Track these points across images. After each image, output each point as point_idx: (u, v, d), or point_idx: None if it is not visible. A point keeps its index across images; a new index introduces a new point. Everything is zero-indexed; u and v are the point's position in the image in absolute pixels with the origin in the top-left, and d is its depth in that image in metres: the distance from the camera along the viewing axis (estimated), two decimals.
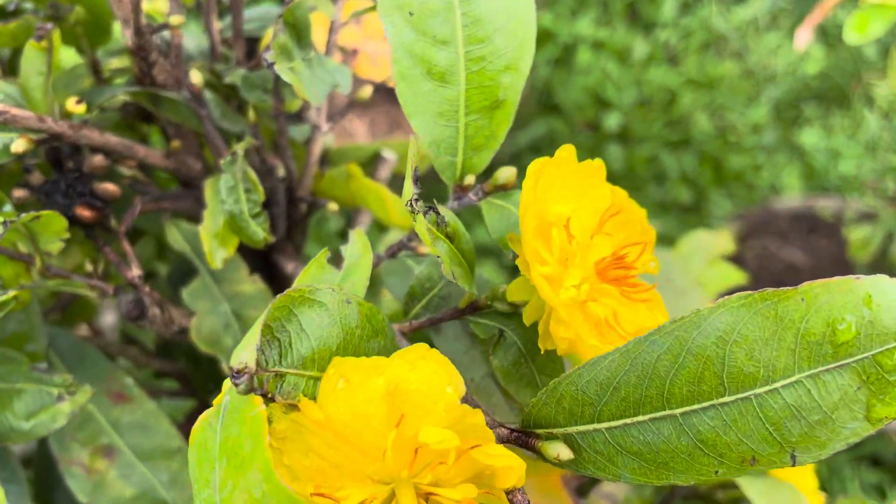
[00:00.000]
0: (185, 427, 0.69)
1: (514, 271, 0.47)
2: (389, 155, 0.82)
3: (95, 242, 0.63)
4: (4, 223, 0.48)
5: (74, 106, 0.61)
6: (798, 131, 2.50)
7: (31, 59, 0.60)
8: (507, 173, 0.51)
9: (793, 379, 0.34)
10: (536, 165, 0.44)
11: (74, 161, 0.62)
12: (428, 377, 0.35)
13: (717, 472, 0.36)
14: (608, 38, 2.53)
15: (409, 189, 0.41)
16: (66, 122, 0.58)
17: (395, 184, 0.75)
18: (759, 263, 2.21)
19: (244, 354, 0.33)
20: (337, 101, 0.76)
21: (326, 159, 0.78)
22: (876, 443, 1.92)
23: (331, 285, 0.38)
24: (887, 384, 0.33)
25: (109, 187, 0.61)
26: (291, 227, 0.73)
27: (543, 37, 2.49)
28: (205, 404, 0.84)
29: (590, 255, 0.44)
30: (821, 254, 2.22)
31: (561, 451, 0.38)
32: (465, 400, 0.37)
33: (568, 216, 0.43)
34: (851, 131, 2.53)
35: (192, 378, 0.82)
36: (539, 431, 0.40)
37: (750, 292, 0.35)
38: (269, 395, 0.34)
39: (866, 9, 1.37)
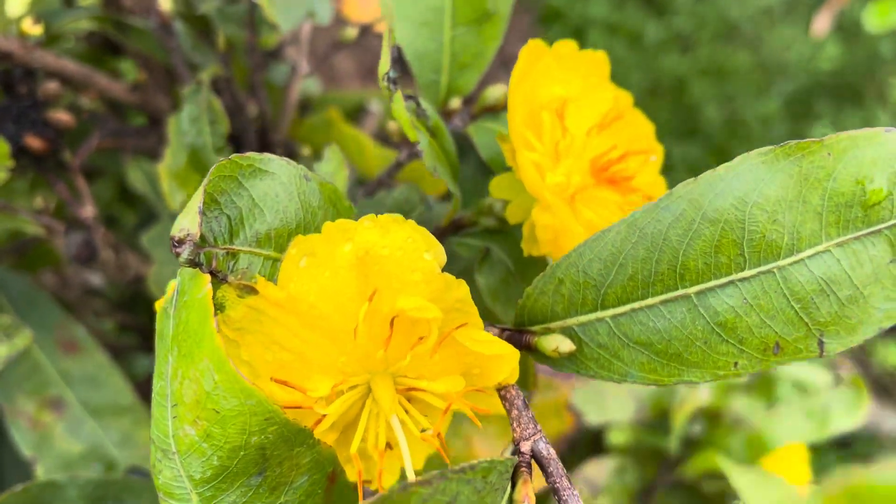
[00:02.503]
0: (144, 386, 0.64)
1: None
2: (375, 107, 0.77)
3: (47, 177, 0.59)
4: None
5: (30, 26, 0.57)
6: (808, 126, 2.45)
7: None
8: (497, 92, 0.46)
9: (820, 248, 0.30)
10: (531, 46, 0.39)
11: (28, 86, 0.57)
12: (402, 242, 0.30)
13: (736, 364, 0.32)
14: (620, 21, 2.47)
15: (386, 63, 0.37)
16: (16, 40, 0.53)
17: (378, 139, 0.70)
18: None
19: (185, 221, 0.29)
20: (320, 43, 0.71)
21: (309, 106, 0.73)
22: (868, 444, 1.89)
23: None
24: None
25: (62, 116, 0.57)
26: None
27: (554, 17, 2.43)
28: None
29: (585, 152, 0.40)
30: None
31: (560, 343, 0.34)
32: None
33: (562, 99, 0.39)
34: None
35: (153, 331, 0.77)
36: (534, 328, 0.36)
37: (771, 147, 0.31)
38: (221, 276, 0.30)
39: None
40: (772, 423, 0.78)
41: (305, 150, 0.62)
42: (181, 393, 0.29)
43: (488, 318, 0.46)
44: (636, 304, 0.33)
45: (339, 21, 0.71)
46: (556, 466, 0.31)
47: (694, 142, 2.41)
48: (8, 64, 0.55)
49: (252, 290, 0.31)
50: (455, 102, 0.47)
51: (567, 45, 0.41)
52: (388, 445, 0.32)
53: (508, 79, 0.44)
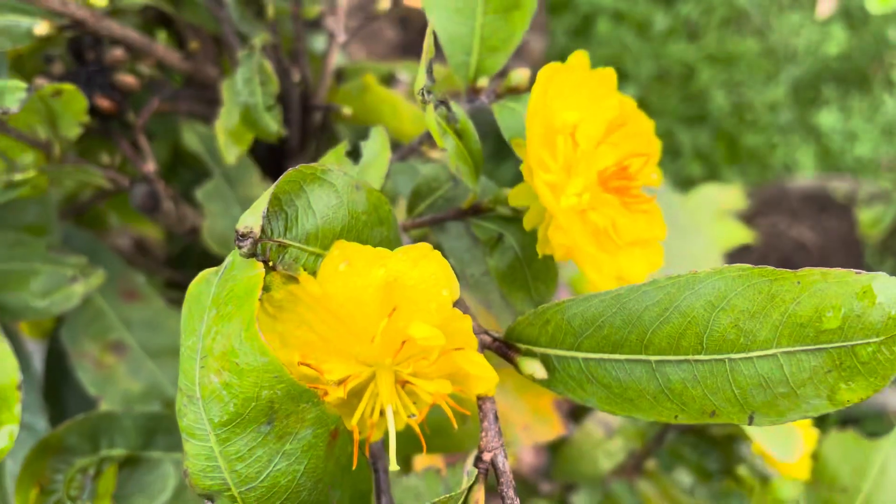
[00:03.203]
0: None
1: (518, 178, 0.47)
2: (403, 76, 0.82)
3: (112, 136, 0.65)
4: (28, 89, 0.50)
5: None
6: (816, 112, 2.48)
7: None
8: (520, 75, 0.50)
9: (770, 352, 0.35)
10: (548, 71, 0.43)
11: (95, 53, 0.63)
12: (427, 277, 0.35)
13: (676, 417, 0.37)
14: (629, 9, 2.52)
15: (422, 78, 0.41)
16: (88, 10, 0.59)
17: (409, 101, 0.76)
18: (768, 241, 2.21)
19: (250, 219, 0.34)
20: (351, 25, 0.77)
21: (342, 76, 0.79)
22: (877, 423, 1.93)
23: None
24: (858, 373, 0.34)
25: (128, 79, 0.63)
26: (305, 138, 0.74)
27: (562, 5, 2.48)
28: None
29: (593, 165, 0.44)
30: (830, 234, 2.21)
31: (536, 370, 0.40)
32: (458, 304, 0.38)
33: (574, 124, 0.43)
34: (870, 114, 2.51)
35: None
36: (520, 346, 0.41)
37: (750, 266, 0.35)
38: (271, 264, 0.35)
39: None
40: None
41: (347, 110, 0.68)
42: (212, 347, 0.33)
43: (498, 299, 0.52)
44: (605, 356, 0.38)
45: None
46: (507, 478, 0.37)
47: (702, 128, 2.45)
48: (79, 31, 0.61)
49: (294, 280, 0.36)
50: (483, 81, 0.51)
51: (579, 58, 0.45)
52: (381, 413, 0.38)
53: (522, 63, 0.49)
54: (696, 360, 0.36)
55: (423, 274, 0.36)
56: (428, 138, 0.55)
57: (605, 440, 0.80)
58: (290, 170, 0.36)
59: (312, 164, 0.37)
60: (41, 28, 0.58)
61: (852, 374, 0.34)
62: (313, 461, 0.35)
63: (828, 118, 2.49)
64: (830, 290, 0.34)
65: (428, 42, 0.42)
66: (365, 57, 1.84)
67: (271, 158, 0.73)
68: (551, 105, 0.43)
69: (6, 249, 0.61)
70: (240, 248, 0.34)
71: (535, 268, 0.49)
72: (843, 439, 0.73)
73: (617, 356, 0.38)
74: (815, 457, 0.79)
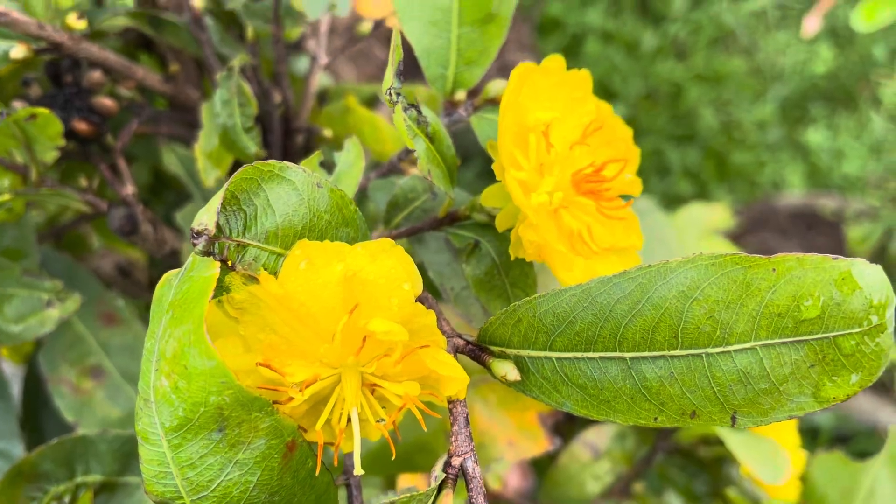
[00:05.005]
0: None
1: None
2: None
3: (91, 159, 0.64)
4: (1, 113, 0.49)
5: (75, 21, 0.62)
6: (803, 130, 2.50)
7: None
8: (498, 86, 0.50)
9: (748, 345, 0.34)
10: (521, 69, 0.42)
11: (73, 75, 0.63)
12: (387, 271, 0.35)
13: (656, 419, 0.36)
14: (617, 29, 2.54)
15: (390, 78, 0.41)
16: (66, 33, 0.59)
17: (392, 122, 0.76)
18: None
19: (205, 217, 0.33)
20: (337, 44, 0.77)
21: (325, 97, 0.79)
22: (867, 440, 1.93)
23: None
24: (842, 367, 0.33)
25: (107, 102, 0.62)
26: (287, 160, 0.74)
27: (552, 25, 2.49)
28: None
29: (567, 166, 0.44)
30: (818, 251, 2.22)
31: (509, 372, 0.38)
32: (423, 300, 0.37)
33: (548, 123, 0.42)
34: (857, 132, 2.53)
35: None
36: (493, 348, 0.40)
37: (722, 253, 0.34)
38: (230, 264, 0.35)
39: None
40: None
41: (328, 132, 0.67)
42: (164, 349, 0.32)
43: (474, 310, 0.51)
44: (579, 354, 0.37)
45: (354, 17, 0.77)
46: (477, 484, 0.35)
47: (691, 146, 2.46)
48: (57, 54, 0.61)
49: (255, 280, 0.35)
50: (460, 94, 0.51)
51: (555, 62, 0.44)
52: (349, 420, 0.37)
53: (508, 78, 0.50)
54: (672, 356, 0.35)
55: (383, 268, 0.35)
56: (406, 153, 0.55)
57: (592, 462, 0.79)
58: (246, 166, 0.35)
59: (270, 161, 0.36)
60: (18, 51, 0.58)
61: (836, 369, 0.33)
62: (267, 473, 0.34)
63: (815, 136, 2.50)
64: (808, 276, 0.33)
65: (395, 41, 0.42)
66: (354, 76, 1.85)
67: None
68: (525, 104, 0.43)
69: None
70: (195, 245, 0.33)
71: (514, 274, 0.48)
72: (831, 461, 0.73)
73: (590, 354, 0.37)
74: (804, 479, 0.79)
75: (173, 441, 0.33)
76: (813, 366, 0.33)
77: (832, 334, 0.33)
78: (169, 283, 0.34)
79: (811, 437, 1.92)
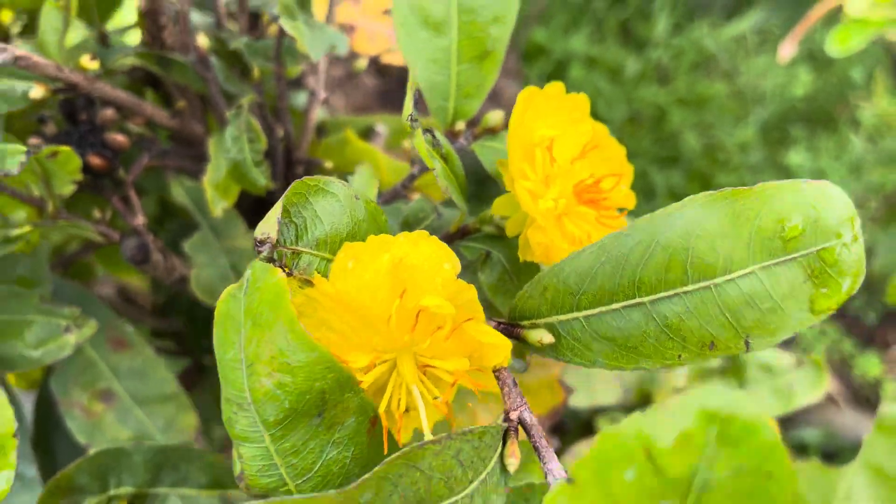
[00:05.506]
0: (181, 380, 0.73)
1: None
2: (382, 129, 0.87)
3: (103, 192, 0.68)
4: (27, 152, 0.53)
5: (88, 62, 0.66)
6: (784, 152, 2.57)
7: (49, 17, 0.65)
8: (496, 116, 0.56)
9: (748, 270, 0.38)
10: (526, 93, 0.48)
11: (87, 113, 0.67)
12: (428, 254, 0.39)
13: (679, 357, 0.40)
14: (601, 55, 2.60)
15: (409, 107, 0.46)
16: (81, 74, 0.63)
17: (386, 153, 0.80)
18: None
19: (266, 227, 0.38)
20: (331, 75, 0.81)
21: (323, 130, 0.83)
22: (852, 454, 1.96)
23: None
24: (829, 278, 0.38)
25: (119, 138, 0.66)
26: None
27: (536, 52, 2.56)
28: (198, 363, 0.88)
29: (569, 178, 0.49)
30: None
31: (543, 336, 0.42)
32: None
33: (552, 138, 0.48)
34: (837, 153, 2.60)
35: (187, 336, 0.86)
36: (524, 322, 0.44)
37: (713, 191, 0.39)
38: (287, 270, 0.39)
39: (848, 23, 1.44)
40: None
41: (328, 164, 0.72)
42: (257, 353, 0.35)
43: (489, 311, 0.56)
44: (604, 308, 0.41)
45: (351, 55, 0.82)
46: (537, 430, 0.39)
47: (675, 168, 2.52)
48: (72, 94, 0.65)
49: (309, 283, 0.39)
50: (460, 125, 0.56)
51: (555, 87, 0.49)
52: (407, 409, 0.41)
53: (498, 108, 0.54)
54: (686, 292, 0.39)
55: (425, 252, 0.39)
56: (410, 179, 0.59)
57: None
58: (296, 182, 0.40)
59: (315, 177, 0.41)
60: (36, 92, 0.62)
61: (824, 280, 0.38)
62: (359, 447, 0.38)
63: (796, 157, 2.57)
64: (787, 199, 0.38)
65: (411, 80, 0.47)
66: (345, 105, 1.90)
67: (256, 211, 0.76)
68: (530, 123, 0.48)
69: (0, 301, 0.63)
70: (259, 252, 0.37)
71: (523, 279, 0.52)
72: (809, 469, 0.77)
73: (614, 305, 0.41)
74: None
75: (276, 434, 0.36)
76: (805, 281, 0.38)
77: (815, 248, 0.38)
78: (234, 297, 0.36)
79: (799, 452, 1.96)
